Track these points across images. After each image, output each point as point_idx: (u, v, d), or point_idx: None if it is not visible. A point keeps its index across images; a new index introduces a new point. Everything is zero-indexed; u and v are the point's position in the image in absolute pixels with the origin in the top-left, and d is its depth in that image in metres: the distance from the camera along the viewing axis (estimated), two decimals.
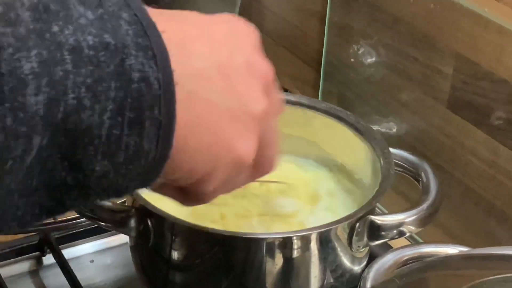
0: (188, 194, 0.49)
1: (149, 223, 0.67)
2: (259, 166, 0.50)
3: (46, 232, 0.83)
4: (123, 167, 0.40)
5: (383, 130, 0.93)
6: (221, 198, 0.52)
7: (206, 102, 0.43)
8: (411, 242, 0.84)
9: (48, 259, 0.84)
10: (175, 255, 0.67)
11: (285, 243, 0.65)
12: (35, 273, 0.84)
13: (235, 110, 0.45)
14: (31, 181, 0.38)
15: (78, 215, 0.80)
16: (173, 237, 0.67)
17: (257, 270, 0.66)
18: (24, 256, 0.84)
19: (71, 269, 0.79)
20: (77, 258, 0.85)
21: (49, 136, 0.38)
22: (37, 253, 0.84)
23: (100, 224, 0.70)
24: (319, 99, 1.02)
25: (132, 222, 0.68)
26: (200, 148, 0.44)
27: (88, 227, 0.85)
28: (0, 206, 0.38)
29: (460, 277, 0.46)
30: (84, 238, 0.86)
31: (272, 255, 0.65)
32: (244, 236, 0.65)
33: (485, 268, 0.48)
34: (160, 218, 0.65)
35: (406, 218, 0.69)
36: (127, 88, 0.39)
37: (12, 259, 0.84)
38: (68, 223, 0.84)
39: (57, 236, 0.84)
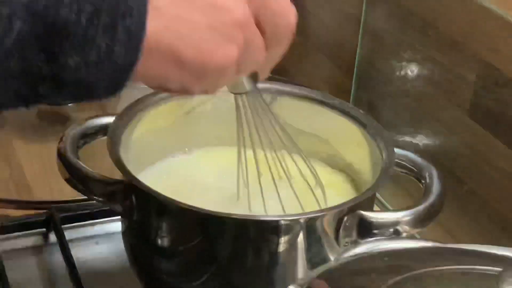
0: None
1: (134, 199, 0.66)
2: (242, 67, 0.53)
3: (52, 211, 0.83)
4: (94, 65, 0.44)
5: (408, 139, 0.90)
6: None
7: (186, 20, 0.48)
8: None
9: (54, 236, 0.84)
10: (158, 236, 0.66)
11: (270, 227, 0.63)
12: (39, 249, 0.84)
13: (214, 23, 0.49)
14: (9, 66, 0.43)
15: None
16: (157, 215, 0.66)
17: (241, 252, 0.65)
18: (30, 232, 0.84)
19: (69, 249, 0.79)
20: (83, 238, 0.85)
21: (29, 23, 0.42)
22: (43, 229, 0.84)
23: (93, 198, 0.70)
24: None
25: (119, 198, 0.67)
26: (184, 60, 0.48)
27: (97, 209, 0.85)
28: None
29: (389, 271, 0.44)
30: (93, 219, 0.86)
31: (256, 238, 0.64)
32: (228, 216, 0.63)
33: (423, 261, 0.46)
34: (143, 193, 0.64)
35: (401, 217, 0.66)
36: None
37: (18, 233, 0.84)
38: (76, 204, 0.84)
39: (64, 215, 0.84)
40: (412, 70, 0.88)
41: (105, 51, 0.44)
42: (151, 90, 0.76)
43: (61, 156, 0.69)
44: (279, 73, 1.10)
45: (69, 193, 0.75)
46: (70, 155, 0.69)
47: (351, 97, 1.00)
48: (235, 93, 0.66)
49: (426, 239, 0.53)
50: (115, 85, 0.46)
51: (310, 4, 1.08)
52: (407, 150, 0.74)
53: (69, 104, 1.06)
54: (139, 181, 0.65)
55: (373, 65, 0.96)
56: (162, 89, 0.53)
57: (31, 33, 0.42)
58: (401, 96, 0.91)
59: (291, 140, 0.71)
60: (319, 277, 0.44)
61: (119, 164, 0.65)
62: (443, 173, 0.79)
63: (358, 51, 0.98)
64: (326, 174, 0.77)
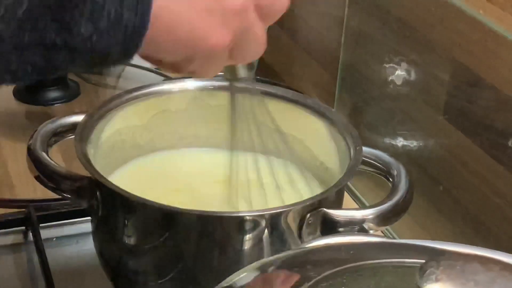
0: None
1: (98, 194, 0.66)
2: (236, 55, 0.55)
3: (30, 209, 0.84)
4: (105, 32, 0.45)
5: (387, 141, 0.90)
6: None
7: (187, 2, 0.49)
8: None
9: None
10: (123, 232, 0.67)
11: (234, 222, 0.64)
12: (18, 247, 0.85)
13: (213, 6, 0.50)
14: (23, 36, 0.44)
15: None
16: (122, 212, 0.66)
17: (205, 248, 0.65)
18: (9, 230, 0.85)
19: (44, 248, 0.79)
20: (62, 237, 0.86)
21: None
22: (23, 227, 0.85)
23: (62, 194, 0.70)
24: (334, 107, 1.00)
25: (86, 194, 0.68)
26: (178, 39, 0.50)
27: (76, 208, 0.86)
28: None
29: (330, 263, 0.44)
30: (72, 218, 0.87)
31: (220, 234, 0.64)
32: (193, 213, 0.64)
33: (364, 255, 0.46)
34: (106, 189, 0.65)
35: (366, 216, 0.66)
36: None
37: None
38: (51, 203, 0.85)
39: (42, 214, 0.85)
40: (391, 72, 0.88)
41: (114, 16, 0.45)
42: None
43: (30, 153, 0.70)
44: (268, 74, 1.11)
45: (51, 192, 0.75)
46: (39, 151, 0.70)
47: (335, 99, 1.00)
48: (228, 80, 0.67)
49: (388, 236, 0.54)
50: (127, 52, 0.47)
51: (297, 6, 1.08)
52: (389, 153, 0.74)
53: (57, 104, 1.09)
54: (102, 177, 0.65)
55: (356, 68, 0.96)
56: (158, 65, 0.54)
57: (41, 3, 0.43)
58: (382, 98, 0.91)
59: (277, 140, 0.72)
60: (252, 270, 0.45)
61: (83, 159, 0.65)
62: (420, 174, 0.80)
63: (341, 53, 0.98)
64: (298, 173, 0.77)
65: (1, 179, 0.94)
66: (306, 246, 0.52)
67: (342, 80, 0.99)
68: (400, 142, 0.88)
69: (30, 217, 0.84)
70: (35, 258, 0.82)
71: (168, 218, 0.64)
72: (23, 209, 0.86)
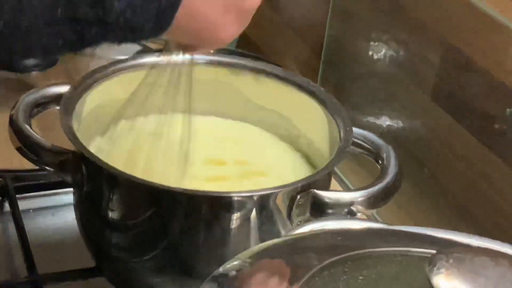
0: None
1: (84, 170, 0.65)
2: None
3: (7, 180, 0.82)
4: (139, 7, 0.46)
5: (372, 120, 0.89)
6: None
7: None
8: None
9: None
10: (108, 208, 0.65)
11: (223, 202, 0.63)
12: None
13: (230, 7, 0.53)
14: (56, 11, 0.44)
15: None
16: (108, 187, 0.65)
17: (192, 228, 0.64)
18: None
19: (22, 219, 0.77)
20: (38, 209, 0.84)
21: None
22: None
23: (44, 167, 0.68)
24: (318, 83, 0.99)
25: (70, 168, 0.66)
26: (195, 28, 0.53)
27: (54, 180, 0.83)
28: (27, 28, 0.43)
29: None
30: (49, 190, 0.85)
31: (208, 214, 0.63)
32: (180, 191, 0.62)
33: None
34: (93, 165, 0.63)
35: (355, 198, 0.66)
36: None
37: None
38: (29, 173, 0.83)
39: (19, 184, 0.83)
40: (379, 51, 0.87)
41: None
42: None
43: (13, 124, 0.68)
44: (249, 48, 1.09)
45: (28, 163, 0.73)
46: (21, 122, 0.68)
47: (319, 76, 0.99)
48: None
49: (375, 221, 0.53)
50: (159, 27, 0.48)
51: None
52: (373, 132, 0.73)
53: (34, 72, 1.06)
54: (89, 152, 0.63)
55: (342, 45, 0.95)
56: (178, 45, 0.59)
57: None
58: (368, 77, 0.90)
59: None
60: (248, 257, 0.43)
61: (69, 133, 0.64)
62: (405, 156, 0.79)
63: (327, 30, 0.97)
64: (284, 152, 0.76)
65: None
66: (303, 230, 0.51)
67: (326, 57, 0.98)
68: (385, 122, 0.87)
69: (7, 187, 0.81)
70: (11, 229, 0.80)
71: (155, 195, 0.63)
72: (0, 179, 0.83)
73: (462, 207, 0.76)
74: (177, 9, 0.48)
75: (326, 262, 0.42)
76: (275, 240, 0.47)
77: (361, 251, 0.43)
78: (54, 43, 0.46)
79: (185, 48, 0.59)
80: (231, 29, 0.55)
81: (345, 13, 0.93)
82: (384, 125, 0.87)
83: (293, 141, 0.77)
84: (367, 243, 0.44)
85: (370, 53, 0.89)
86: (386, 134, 0.86)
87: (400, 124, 0.85)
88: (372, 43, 0.88)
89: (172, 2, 0.48)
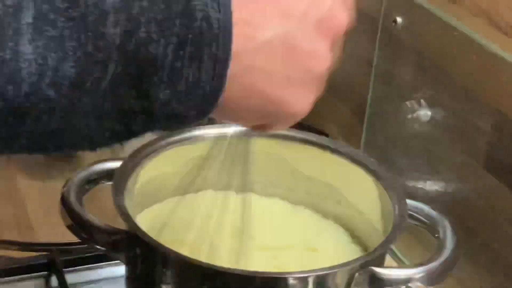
0: None
1: (138, 250, 0.64)
2: None
3: (54, 253, 0.81)
4: (183, 96, 0.45)
5: (419, 185, 0.88)
6: None
7: (262, 72, 0.47)
8: None
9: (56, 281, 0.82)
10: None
11: (278, 283, 0.61)
12: None
13: (295, 77, 0.49)
14: (104, 105, 0.43)
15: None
16: (163, 268, 0.64)
17: None
18: (32, 275, 0.82)
19: None
20: (86, 282, 0.83)
21: (122, 64, 0.42)
22: (45, 272, 0.82)
23: (95, 246, 0.68)
24: (361, 148, 0.98)
25: (123, 247, 0.65)
26: (251, 108, 0.49)
27: (101, 252, 0.83)
28: (76, 125, 0.43)
29: None
30: (97, 263, 0.84)
31: None
32: (237, 272, 0.61)
33: None
34: (148, 246, 0.62)
35: (413, 274, 0.64)
36: (190, 25, 0.43)
37: (20, 276, 0.82)
38: (76, 246, 0.82)
39: (67, 258, 0.82)
40: (424, 115, 0.86)
41: (192, 80, 0.44)
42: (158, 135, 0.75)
43: (65, 202, 0.67)
44: None
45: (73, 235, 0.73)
46: (73, 201, 0.67)
47: (362, 140, 0.98)
48: None
49: None
50: (202, 113, 0.47)
51: None
52: (419, 199, 0.72)
53: None
54: (143, 232, 0.63)
55: (385, 109, 0.94)
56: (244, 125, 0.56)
57: (124, 73, 0.43)
58: (413, 142, 0.89)
59: None
60: None
61: (123, 214, 0.63)
62: (454, 223, 0.77)
63: (369, 94, 0.96)
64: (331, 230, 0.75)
65: (20, 220, 0.92)
66: None
67: (369, 121, 0.97)
68: (432, 189, 0.86)
69: (54, 261, 0.81)
70: None
71: (211, 277, 0.62)
72: (46, 253, 0.83)
73: None
74: (220, 93, 0.46)
75: None
76: None
77: None
78: (102, 136, 0.45)
79: (257, 128, 0.54)
80: (302, 101, 0.50)
81: (388, 76, 0.93)
82: (431, 192, 0.86)
83: (341, 213, 0.76)
84: None
85: (415, 117, 0.88)
86: (433, 201, 0.84)
87: (449, 191, 0.83)
88: (416, 106, 0.88)
89: (216, 88, 0.45)
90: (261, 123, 0.52)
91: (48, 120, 0.43)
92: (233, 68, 0.45)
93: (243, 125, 0.58)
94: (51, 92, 0.41)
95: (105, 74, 0.42)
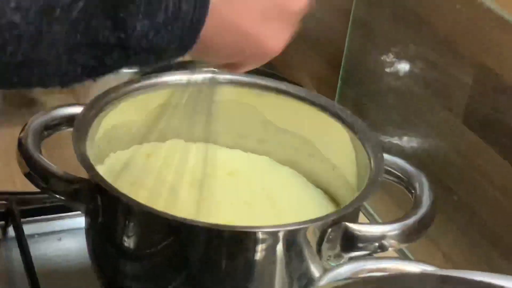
0: None
1: (99, 201, 0.60)
2: None
3: (12, 203, 0.78)
4: (162, 27, 0.43)
5: (394, 141, 0.85)
6: None
7: (240, 6, 0.47)
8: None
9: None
10: (125, 240, 0.61)
11: (247, 238, 0.58)
12: None
13: (271, 13, 0.49)
14: (76, 36, 0.41)
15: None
16: (125, 219, 0.60)
17: (214, 263, 0.59)
18: None
19: (27, 245, 0.74)
20: (44, 234, 0.79)
21: None
22: (2, 222, 0.79)
23: (53, 195, 0.64)
24: (335, 101, 0.95)
25: (84, 197, 0.62)
26: (226, 44, 0.48)
27: (60, 203, 0.79)
28: (45, 58, 0.41)
29: None
30: (56, 213, 0.80)
31: (231, 249, 0.59)
32: (204, 226, 0.58)
33: None
34: (110, 196, 0.59)
35: (388, 231, 0.61)
36: None
37: None
38: (35, 196, 0.78)
39: (24, 208, 0.78)
40: (402, 67, 0.83)
41: (172, 10, 0.42)
42: (124, 80, 0.71)
43: (22, 148, 0.64)
44: (265, 65, 1.05)
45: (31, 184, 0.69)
46: (31, 147, 0.64)
47: (337, 93, 0.95)
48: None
49: (416, 261, 0.49)
50: (182, 47, 0.45)
51: None
52: (394, 154, 0.69)
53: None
54: (105, 182, 0.59)
55: (362, 61, 0.91)
56: (216, 62, 0.54)
57: (98, 0, 0.41)
58: (390, 95, 0.86)
59: None
60: None
61: (85, 162, 0.59)
62: (432, 182, 0.75)
63: (346, 45, 0.92)
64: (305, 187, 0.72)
65: None
66: (343, 270, 0.48)
67: (345, 73, 0.94)
68: (408, 144, 0.83)
69: (12, 210, 0.77)
70: (15, 255, 0.76)
71: (176, 229, 0.59)
72: (3, 202, 0.79)
73: (495, 234, 0.72)
74: (202, 25, 0.44)
75: None
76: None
77: None
78: (73, 71, 0.43)
79: (228, 67, 0.53)
80: (277, 37, 0.50)
81: (367, 27, 0.89)
82: (407, 148, 0.83)
83: (313, 167, 0.73)
84: None
85: (393, 69, 0.84)
86: (409, 157, 0.81)
87: (426, 147, 0.80)
88: (395, 58, 0.84)
89: (198, 18, 0.44)
90: (233, 61, 0.51)
91: (15, 51, 0.40)
92: (213, 0, 0.44)
93: (216, 62, 0.55)
94: (16, 18, 0.39)
95: (76, 0, 0.40)
